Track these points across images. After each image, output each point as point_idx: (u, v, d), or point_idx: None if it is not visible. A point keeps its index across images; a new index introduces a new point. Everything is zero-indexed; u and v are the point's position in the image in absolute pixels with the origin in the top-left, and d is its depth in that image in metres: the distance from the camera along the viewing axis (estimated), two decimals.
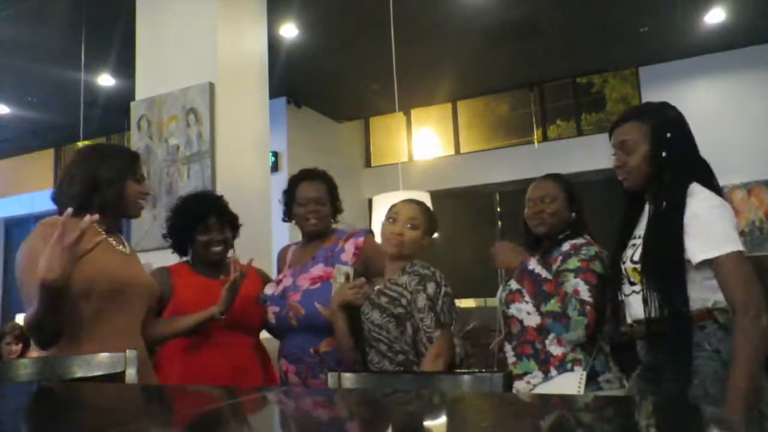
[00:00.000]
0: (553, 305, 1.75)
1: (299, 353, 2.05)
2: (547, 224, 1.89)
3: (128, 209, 1.79)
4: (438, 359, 1.76)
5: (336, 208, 2.26)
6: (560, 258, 1.84)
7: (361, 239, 2.15)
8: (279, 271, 2.32)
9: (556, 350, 1.78)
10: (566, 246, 1.85)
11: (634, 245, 1.59)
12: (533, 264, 1.83)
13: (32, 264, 1.56)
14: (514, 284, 1.90)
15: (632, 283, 1.58)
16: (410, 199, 2.04)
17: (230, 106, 3.18)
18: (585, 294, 1.74)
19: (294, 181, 2.25)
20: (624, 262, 1.60)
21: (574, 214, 1.91)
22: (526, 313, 1.84)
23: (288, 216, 2.27)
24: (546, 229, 1.90)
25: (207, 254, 2.13)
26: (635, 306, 1.56)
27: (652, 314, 1.49)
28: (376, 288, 1.94)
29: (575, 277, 1.76)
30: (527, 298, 1.84)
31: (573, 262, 1.79)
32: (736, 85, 5.87)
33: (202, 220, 2.11)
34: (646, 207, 1.61)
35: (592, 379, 1.75)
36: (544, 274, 1.80)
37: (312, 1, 4.63)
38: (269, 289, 2.15)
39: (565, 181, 1.96)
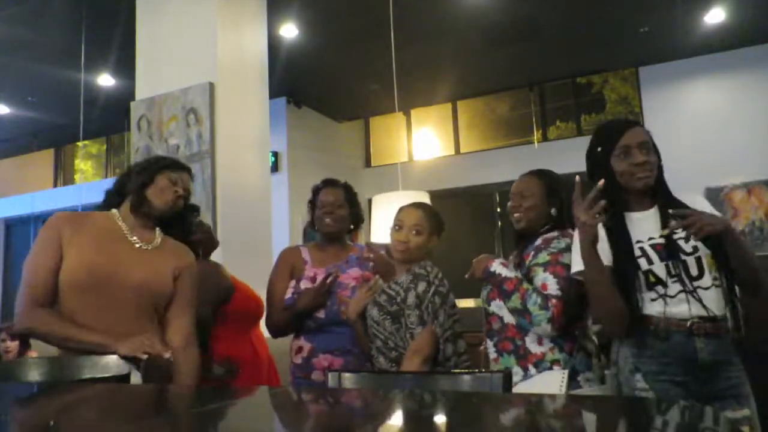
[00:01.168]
0: (514, 301, 1.78)
1: (349, 346, 2.12)
2: (524, 219, 1.91)
3: (154, 200, 1.77)
4: (416, 356, 1.80)
5: (356, 217, 2.35)
6: (532, 253, 1.85)
7: (383, 252, 2.28)
8: (279, 271, 2.32)
9: (535, 349, 1.79)
10: (539, 240, 1.86)
11: (679, 240, 1.58)
12: (494, 266, 1.86)
13: (33, 253, 1.68)
14: None
15: (694, 278, 1.56)
16: (414, 203, 2.09)
17: (230, 106, 3.18)
18: (553, 288, 1.74)
19: (316, 189, 2.35)
20: (689, 254, 1.57)
21: (554, 210, 1.91)
22: (506, 309, 1.85)
23: (312, 222, 2.36)
24: (524, 224, 1.91)
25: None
26: (700, 301, 1.55)
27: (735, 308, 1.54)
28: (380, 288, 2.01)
29: (544, 271, 1.78)
30: None
31: (543, 257, 1.80)
32: (736, 85, 5.87)
33: None
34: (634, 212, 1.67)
35: (571, 378, 1.75)
36: (505, 273, 1.83)
37: (312, 1, 4.63)
38: (306, 286, 2.21)
39: (547, 177, 1.97)
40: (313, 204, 2.34)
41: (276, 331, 2.27)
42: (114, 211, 1.80)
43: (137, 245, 1.75)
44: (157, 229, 1.84)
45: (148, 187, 1.78)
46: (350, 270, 2.24)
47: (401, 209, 2.05)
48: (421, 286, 1.87)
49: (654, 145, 1.68)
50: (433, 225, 2.01)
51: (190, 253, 1.88)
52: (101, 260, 1.68)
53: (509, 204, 1.97)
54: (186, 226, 1.97)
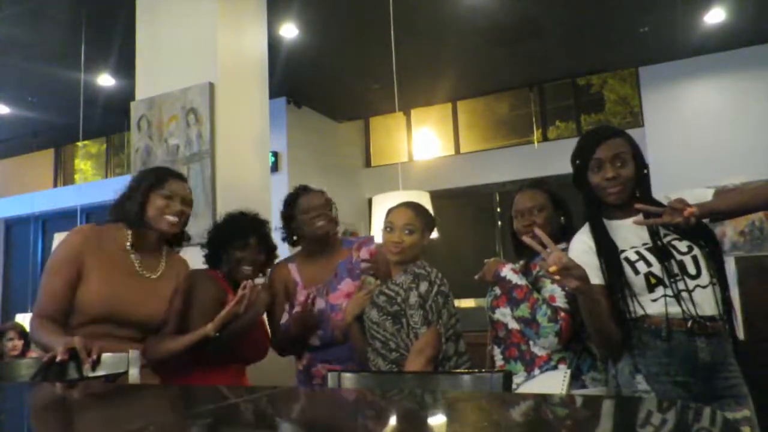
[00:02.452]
0: (522, 311, 1.78)
1: (350, 353, 2.10)
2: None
3: (151, 222, 1.85)
4: (421, 355, 1.80)
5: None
6: (540, 264, 1.84)
7: (373, 247, 2.25)
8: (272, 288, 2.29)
9: (540, 351, 1.79)
10: None
11: (673, 240, 1.58)
12: (505, 271, 1.86)
13: (45, 275, 1.74)
14: (498, 289, 1.92)
15: (692, 277, 1.55)
16: (404, 203, 2.07)
17: (230, 106, 3.18)
18: (561, 300, 1.74)
19: (292, 198, 2.28)
20: (684, 253, 1.57)
21: (563, 219, 1.93)
22: (510, 317, 1.85)
23: (288, 233, 2.29)
24: (539, 240, 1.90)
25: (236, 271, 2.10)
26: (700, 300, 1.54)
27: (722, 309, 1.55)
28: (377, 288, 1.99)
29: (552, 282, 1.77)
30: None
31: None
32: (736, 85, 5.87)
33: (243, 237, 2.10)
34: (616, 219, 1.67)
35: (576, 378, 1.75)
36: (515, 280, 1.82)
37: (312, 1, 4.62)
38: (298, 310, 2.18)
39: (549, 188, 1.98)
40: (289, 215, 2.26)
41: (281, 352, 2.27)
42: (125, 230, 1.87)
43: (146, 276, 1.86)
44: (165, 248, 1.94)
45: (143, 216, 1.84)
46: (341, 285, 2.19)
47: (391, 210, 2.02)
48: (423, 286, 1.86)
49: (635, 154, 1.66)
50: (424, 222, 1.99)
51: (184, 266, 1.98)
52: (116, 295, 1.78)
53: (518, 222, 1.94)
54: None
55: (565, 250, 1.81)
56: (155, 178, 1.87)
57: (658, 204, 1.62)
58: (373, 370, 1.88)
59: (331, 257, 2.25)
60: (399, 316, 1.87)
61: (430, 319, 1.83)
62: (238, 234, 2.10)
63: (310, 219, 2.20)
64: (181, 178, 1.94)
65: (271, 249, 2.21)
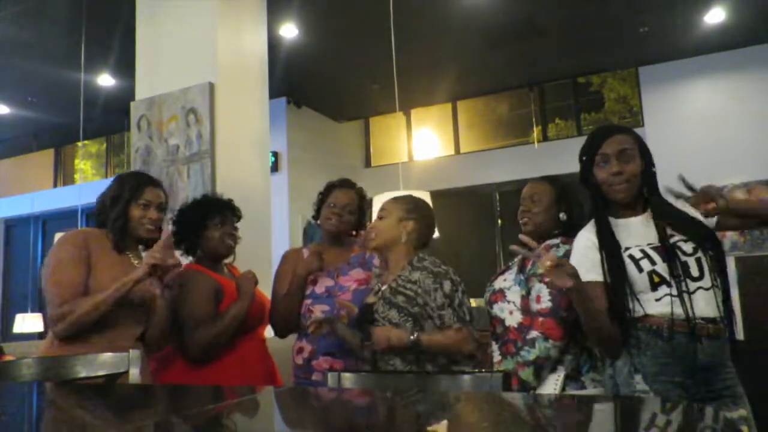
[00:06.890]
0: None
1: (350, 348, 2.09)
2: (531, 223, 1.93)
3: (136, 233, 1.96)
4: (464, 342, 1.80)
5: (360, 225, 2.34)
6: (533, 260, 1.84)
7: None
8: (281, 273, 2.31)
9: None
10: (540, 247, 1.85)
11: (679, 241, 1.58)
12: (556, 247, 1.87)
13: (57, 270, 1.80)
14: (497, 284, 1.93)
15: (695, 279, 1.56)
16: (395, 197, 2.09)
17: (230, 106, 3.18)
18: (545, 300, 1.75)
19: (331, 186, 2.34)
20: (689, 255, 1.57)
21: (563, 215, 1.92)
22: (508, 312, 1.85)
23: (316, 216, 2.38)
24: (531, 227, 1.93)
25: (221, 248, 2.20)
26: (702, 302, 1.54)
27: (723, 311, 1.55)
28: (384, 287, 1.95)
29: (540, 281, 1.77)
30: (508, 297, 1.87)
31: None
32: (736, 85, 5.87)
33: (218, 215, 2.21)
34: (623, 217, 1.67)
35: (575, 379, 1.75)
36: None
37: (312, 1, 4.63)
38: (308, 290, 2.23)
39: (558, 183, 1.97)
40: (322, 199, 2.33)
41: (281, 330, 2.27)
42: (109, 234, 1.98)
43: (136, 265, 1.97)
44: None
45: (128, 228, 1.95)
46: (352, 272, 2.23)
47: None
48: (447, 285, 1.84)
49: (643, 152, 1.66)
50: (400, 209, 1.98)
51: None
52: (124, 275, 1.87)
53: (520, 209, 1.98)
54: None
55: (559, 246, 1.82)
56: (132, 191, 1.96)
57: (666, 203, 1.63)
58: (383, 370, 1.87)
59: (344, 250, 2.30)
60: (420, 317, 1.84)
61: (462, 317, 1.82)
62: (211, 213, 2.20)
63: (328, 214, 2.26)
64: (155, 183, 2.04)
65: (239, 214, 2.34)
